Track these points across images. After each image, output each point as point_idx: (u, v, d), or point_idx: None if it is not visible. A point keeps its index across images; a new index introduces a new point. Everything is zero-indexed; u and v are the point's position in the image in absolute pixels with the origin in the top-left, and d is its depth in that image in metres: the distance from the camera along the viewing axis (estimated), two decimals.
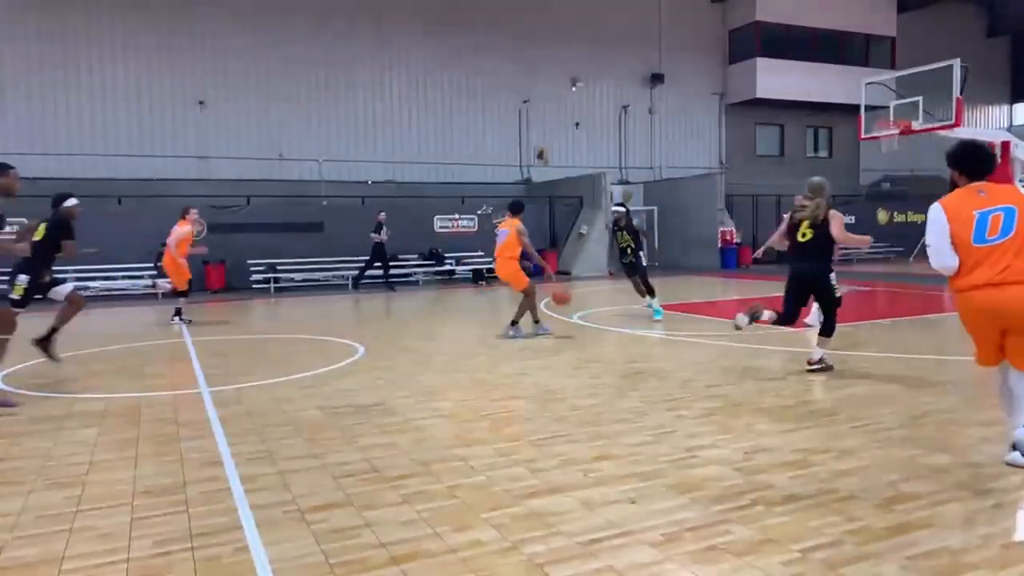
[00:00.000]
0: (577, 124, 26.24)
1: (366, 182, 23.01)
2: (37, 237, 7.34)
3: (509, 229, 9.61)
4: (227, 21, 21.62)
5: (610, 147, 26.95)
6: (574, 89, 26.01)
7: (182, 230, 11.82)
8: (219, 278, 18.20)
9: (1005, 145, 14.62)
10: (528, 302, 9.46)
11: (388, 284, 18.39)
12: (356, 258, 19.76)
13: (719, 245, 23.24)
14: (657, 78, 27.12)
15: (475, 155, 24.75)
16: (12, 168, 6.12)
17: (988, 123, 34.19)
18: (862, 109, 16.56)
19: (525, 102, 25.22)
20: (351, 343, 9.35)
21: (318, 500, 3.90)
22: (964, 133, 15.51)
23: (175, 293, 12.22)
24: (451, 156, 24.40)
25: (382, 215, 18.04)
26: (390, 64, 23.47)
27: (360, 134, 23.27)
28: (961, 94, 14.24)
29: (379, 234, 17.89)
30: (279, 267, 18.85)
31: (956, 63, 14.17)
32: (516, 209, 9.82)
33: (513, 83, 25.10)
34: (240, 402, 6.22)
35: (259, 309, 14.91)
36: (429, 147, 24.12)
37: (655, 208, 25.04)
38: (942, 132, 15.20)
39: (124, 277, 17.27)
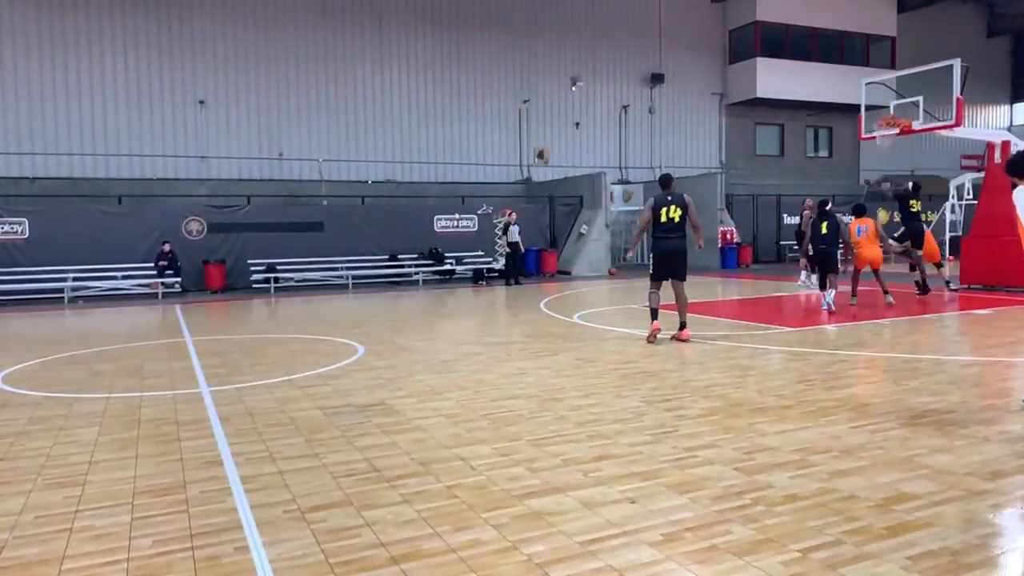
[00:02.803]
0: (577, 124, 26.24)
1: (366, 182, 23.03)
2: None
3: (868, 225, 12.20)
4: (227, 21, 21.63)
5: (610, 147, 26.94)
6: (574, 89, 26.01)
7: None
8: (219, 278, 18.20)
9: (1005, 145, 14.60)
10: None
11: (516, 280, 19.25)
12: (356, 258, 19.77)
13: (719, 245, 23.23)
14: (657, 78, 27.12)
15: (475, 155, 24.75)
16: None
17: (988, 123, 34.18)
18: (862, 109, 16.52)
19: (525, 102, 25.22)
20: (351, 343, 9.36)
21: (318, 500, 3.90)
22: (964, 133, 15.50)
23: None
24: (451, 156, 24.41)
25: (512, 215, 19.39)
26: (390, 64, 23.47)
27: (360, 134, 23.27)
28: (961, 94, 14.21)
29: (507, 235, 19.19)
30: (279, 267, 18.85)
31: (956, 63, 14.13)
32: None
33: (513, 83, 25.10)
34: (240, 402, 6.22)
35: (259, 309, 14.90)
36: (429, 147, 24.12)
37: None
38: (942, 132, 15.17)
39: (124, 277, 17.23)
